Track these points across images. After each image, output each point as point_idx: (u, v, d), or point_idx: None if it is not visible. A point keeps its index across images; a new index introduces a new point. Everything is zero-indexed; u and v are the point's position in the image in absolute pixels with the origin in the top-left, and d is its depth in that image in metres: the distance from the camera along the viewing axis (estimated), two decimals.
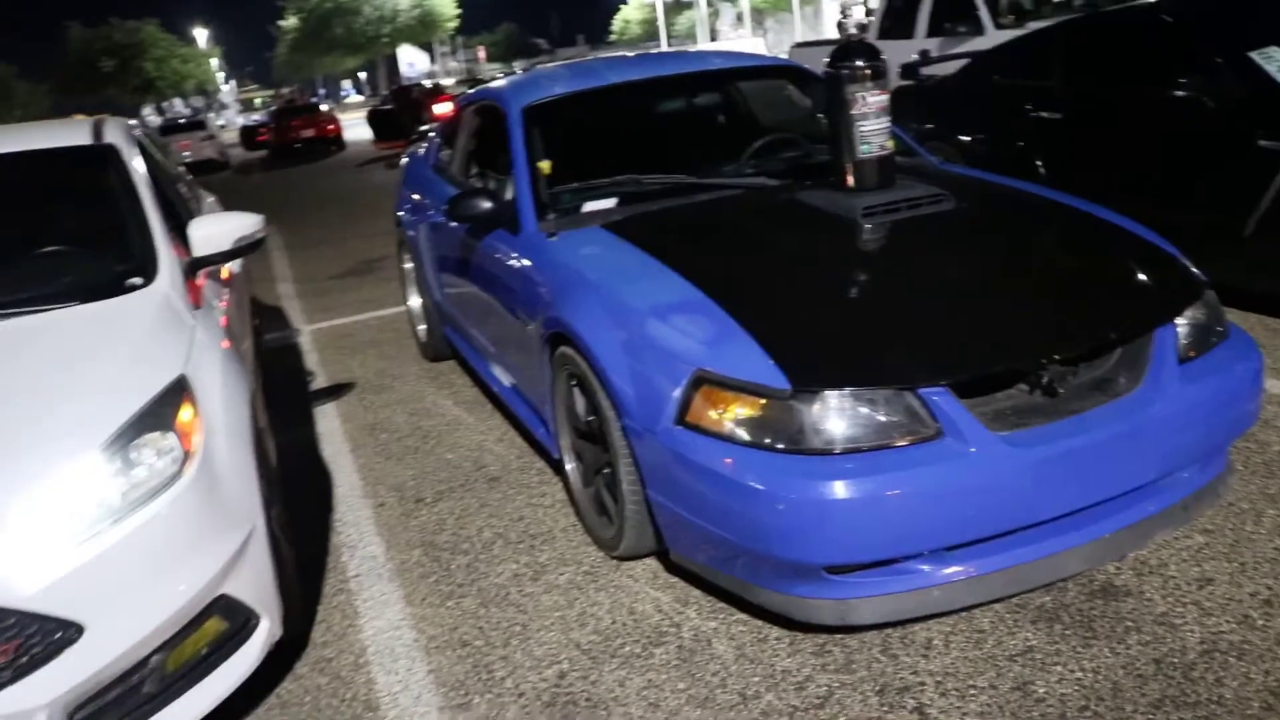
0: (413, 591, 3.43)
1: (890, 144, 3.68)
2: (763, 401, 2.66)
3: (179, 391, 2.77)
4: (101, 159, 3.96)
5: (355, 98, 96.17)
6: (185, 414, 2.72)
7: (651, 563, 3.38)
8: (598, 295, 3.27)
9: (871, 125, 3.61)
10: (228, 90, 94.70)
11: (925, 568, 2.67)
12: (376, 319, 7.38)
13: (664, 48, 46.47)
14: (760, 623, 2.99)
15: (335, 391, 5.73)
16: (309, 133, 31.37)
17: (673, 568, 3.30)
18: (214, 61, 71.26)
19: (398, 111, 27.37)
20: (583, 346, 3.20)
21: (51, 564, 2.34)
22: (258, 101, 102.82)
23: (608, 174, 4.14)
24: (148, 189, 3.82)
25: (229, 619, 2.68)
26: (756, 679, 2.77)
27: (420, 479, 4.35)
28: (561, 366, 3.48)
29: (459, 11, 62.60)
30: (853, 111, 3.60)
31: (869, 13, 13.02)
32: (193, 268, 3.60)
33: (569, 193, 4.05)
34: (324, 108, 35.27)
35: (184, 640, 2.56)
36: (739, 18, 49.19)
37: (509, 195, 4.13)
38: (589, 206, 3.93)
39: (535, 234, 3.86)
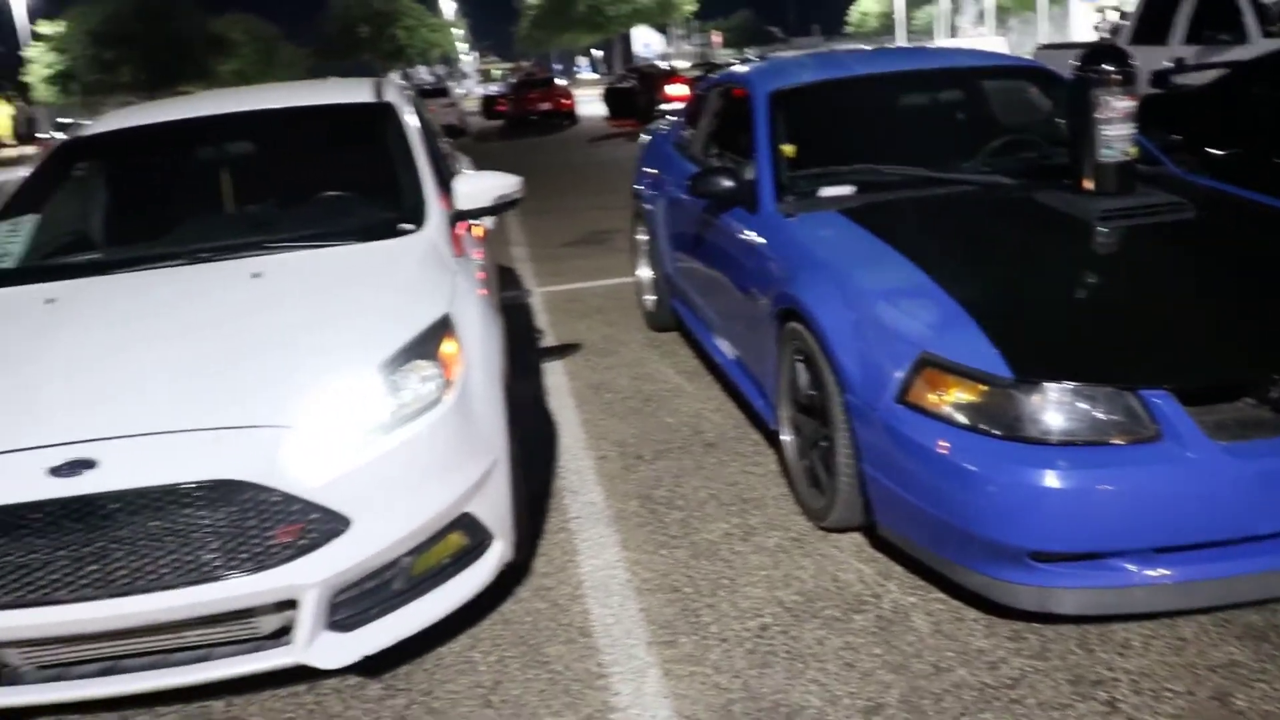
0: (629, 538, 3.67)
1: (1133, 150, 3.67)
2: (983, 388, 2.75)
3: (443, 327, 3.08)
4: (382, 115, 4.36)
5: (589, 75, 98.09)
6: (448, 347, 3.03)
7: (856, 537, 3.51)
8: (831, 275, 3.41)
9: (1115, 130, 3.62)
10: (469, 61, 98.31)
11: (1131, 567, 2.69)
12: (604, 287, 7.68)
13: (901, 42, 45.65)
14: (958, 603, 3.09)
15: (562, 351, 6.05)
16: (545, 106, 32.33)
17: (877, 543, 3.42)
18: (458, 32, 74.00)
19: (635, 91, 27.69)
20: (812, 323, 3.34)
21: (331, 463, 2.67)
22: (495, 73, 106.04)
23: (847, 162, 4.25)
24: (420, 144, 4.19)
25: (469, 535, 2.98)
26: (951, 654, 2.87)
27: (640, 438, 4.59)
28: (788, 341, 3.63)
29: None
30: (1097, 115, 3.62)
31: (1123, 16, 12.54)
32: (454, 219, 3.94)
33: (807, 177, 4.18)
34: (559, 83, 36.21)
35: (430, 548, 2.87)
36: (980, 15, 47.82)
37: (749, 175, 4.29)
38: (826, 191, 4.06)
39: (773, 214, 4.02)
